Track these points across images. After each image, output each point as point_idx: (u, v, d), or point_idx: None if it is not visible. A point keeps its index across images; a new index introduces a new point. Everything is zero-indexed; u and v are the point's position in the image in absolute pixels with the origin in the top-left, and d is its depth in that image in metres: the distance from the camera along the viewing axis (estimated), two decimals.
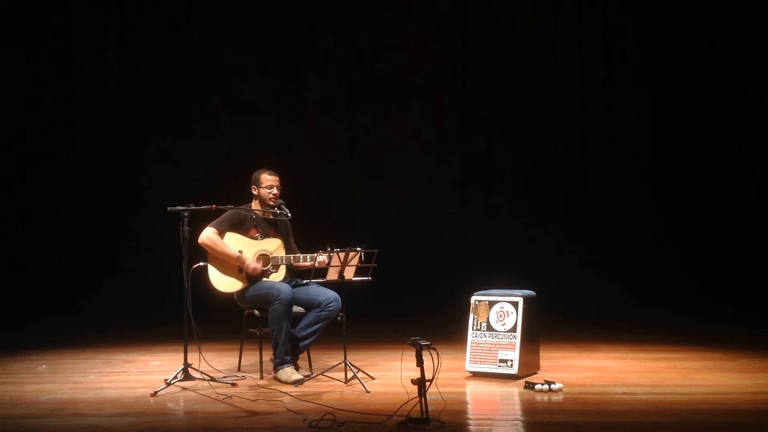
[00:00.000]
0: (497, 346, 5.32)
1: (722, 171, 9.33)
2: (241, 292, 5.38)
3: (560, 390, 4.94)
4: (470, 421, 4.44)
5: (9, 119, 9.24)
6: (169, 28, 9.53)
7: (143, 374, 5.68)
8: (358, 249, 5.06)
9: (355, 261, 5.10)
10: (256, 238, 5.44)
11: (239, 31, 9.55)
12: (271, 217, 5.47)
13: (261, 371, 5.42)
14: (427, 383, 4.20)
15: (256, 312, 5.35)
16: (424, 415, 4.18)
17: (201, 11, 9.59)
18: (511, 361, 5.26)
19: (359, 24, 9.61)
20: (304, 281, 5.39)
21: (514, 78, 9.64)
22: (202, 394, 4.95)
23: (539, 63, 9.65)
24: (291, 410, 4.51)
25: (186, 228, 5.12)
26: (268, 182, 5.46)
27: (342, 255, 5.02)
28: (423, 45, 9.65)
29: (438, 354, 4.26)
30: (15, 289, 8.87)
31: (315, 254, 5.25)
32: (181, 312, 5.13)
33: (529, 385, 4.99)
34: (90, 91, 9.42)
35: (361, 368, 5.29)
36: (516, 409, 4.70)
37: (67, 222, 9.29)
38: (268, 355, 5.40)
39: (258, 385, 5.18)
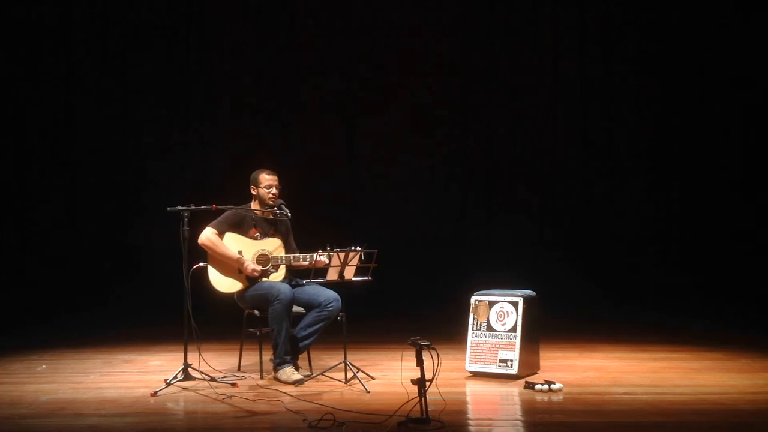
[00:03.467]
0: (497, 346, 5.32)
1: (723, 170, 9.32)
2: (241, 293, 5.38)
3: (560, 390, 4.94)
4: (470, 421, 4.44)
5: (8, 118, 9.23)
6: (169, 28, 9.52)
7: (143, 374, 5.68)
8: (358, 249, 5.06)
9: (355, 261, 5.10)
10: (255, 238, 5.44)
11: (239, 30, 9.55)
12: (271, 217, 5.47)
13: (261, 371, 5.42)
14: (427, 383, 4.20)
15: (256, 312, 5.35)
16: (424, 415, 4.18)
17: (200, 11, 9.58)
18: (511, 361, 5.26)
19: (359, 22, 9.60)
20: (304, 281, 5.39)
21: (516, 77, 9.63)
22: (202, 394, 4.95)
23: (540, 61, 9.64)
24: (291, 410, 4.51)
25: (186, 228, 5.13)
26: (267, 182, 5.46)
27: (342, 255, 5.02)
28: (423, 44, 9.64)
29: (438, 354, 4.26)
30: (14, 289, 8.86)
31: (315, 254, 5.25)
32: (181, 312, 5.13)
33: (529, 385, 4.99)
34: (89, 91, 9.42)
35: (361, 368, 5.29)
36: (516, 409, 4.70)
37: (66, 222, 9.28)
38: (268, 355, 5.40)
39: (258, 385, 5.18)
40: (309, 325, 5.30)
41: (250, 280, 5.35)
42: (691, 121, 9.41)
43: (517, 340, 5.27)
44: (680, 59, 9.42)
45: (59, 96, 9.40)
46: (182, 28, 9.57)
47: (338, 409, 4.42)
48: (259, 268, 5.33)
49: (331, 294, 5.30)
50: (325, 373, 5.31)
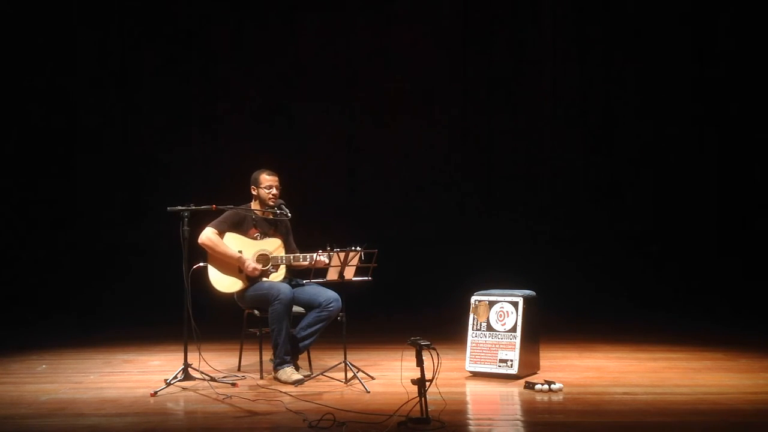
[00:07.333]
0: (497, 346, 5.32)
1: (722, 170, 9.32)
2: (241, 292, 5.38)
3: (560, 390, 4.94)
4: (470, 421, 4.44)
5: (9, 119, 9.23)
6: (169, 29, 9.52)
7: (143, 374, 5.68)
8: (358, 249, 5.06)
9: (355, 261, 5.10)
10: (255, 238, 5.44)
11: (240, 29, 9.55)
12: (271, 217, 5.48)
13: (261, 371, 5.42)
14: (427, 383, 4.20)
15: (256, 312, 5.36)
16: (424, 415, 4.18)
17: (202, 10, 9.59)
18: (511, 361, 5.26)
19: (360, 22, 9.61)
20: (304, 281, 5.39)
21: (514, 75, 9.63)
22: (202, 394, 4.95)
23: (539, 61, 9.64)
24: (291, 410, 4.51)
25: (186, 228, 5.13)
26: (267, 182, 5.46)
27: (342, 255, 5.02)
28: (423, 43, 9.65)
29: (438, 354, 4.26)
30: (15, 289, 8.87)
31: (315, 254, 5.25)
32: (181, 312, 5.13)
33: (529, 385, 5.00)
34: (90, 91, 9.42)
35: (361, 368, 5.29)
36: (516, 409, 4.70)
37: (66, 222, 9.29)
38: (268, 355, 5.41)
39: (258, 385, 5.18)
40: (309, 325, 5.30)
41: (251, 280, 5.35)
42: (691, 119, 9.41)
43: (517, 340, 5.27)
44: (679, 55, 9.43)
45: (60, 94, 9.39)
46: (183, 28, 9.56)
47: (338, 409, 4.42)
48: (259, 266, 5.33)
49: (331, 294, 5.30)
50: (325, 373, 5.31)
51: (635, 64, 9.54)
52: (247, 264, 5.31)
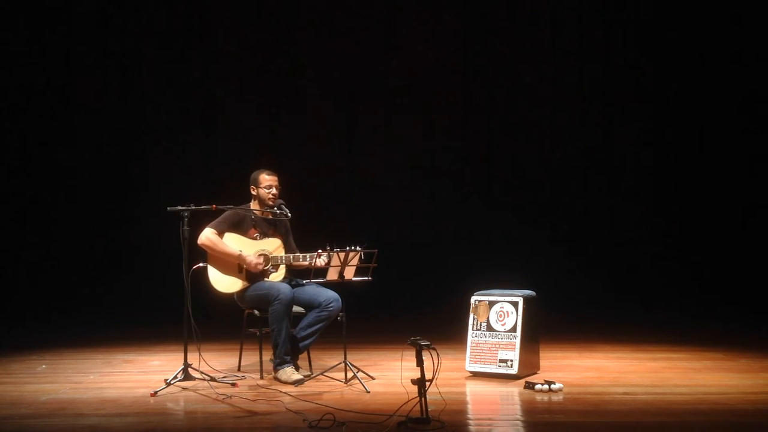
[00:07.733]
0: (497, 346, 5.32)
1: (722, 170, 9.32)
2: (241, 292, 5.38)
3: (560, 390, 4.94)
4: (470, 421, 4.45)
5: (9, 117, 9.23)
6: (170, 27, 9.53)
7: (143, 374, 5.68)
8: (358, 249, 5.06)
9: (355, 261, 5.10)
10: (255, 238, 5.44)
11: (240, 30, 9.56)
12: (271, 217, 5.48)
13: (261, 371, 5.42)
14: (427, 383, 4.20)
15: (256, 312, 5.36)
16: (424, 415, 4.18)
17: (202, 11, 9.59)
18: (511, 361, 5.26)
19: (361, 23, 9.61)
20: (304, 281, 5.39)
21: (516, 77, 9.64)
22: (202, 394, 4.96)
23: (540, 62, 9.64)
24: (291, 410, 4.51)
25: (186, 228, 5.13)
26: (266, 182, 5.46)
27: (342, 255, 5.02)
28: (423, 43, 9.64)
29: (438, 354, 4.26)
30: (15, 289, 8.86)
31: (315, 254, 5.25)
32: (181, 312, 5.13)
33: (529, 385, 5.00)
34: (90, 91, 9.42)
35: (361, 368, 5.29)
36: (516, 409, 4.70)
37: (67, 222, 9.29)
38: (268, 355, 5.41)
39: (258, 385, 5.18)
40: (309, 325, 5.30)
41: (251, 278, 5.34)
42: (690, 118, 9.41)
43: (517, 340, 5.27)
44: (678, 52, 9.42)
45: (60, 94, 9.39)
46: (184, 26, 9.56)
47: (338, 409, 4.42)
48: (261, 260, 5.32)
49: (331, 294, 5.30)
50: (325, 373, 5.31)
51: (636, 64, 9.54)
52: (248, 259, 5.30)
